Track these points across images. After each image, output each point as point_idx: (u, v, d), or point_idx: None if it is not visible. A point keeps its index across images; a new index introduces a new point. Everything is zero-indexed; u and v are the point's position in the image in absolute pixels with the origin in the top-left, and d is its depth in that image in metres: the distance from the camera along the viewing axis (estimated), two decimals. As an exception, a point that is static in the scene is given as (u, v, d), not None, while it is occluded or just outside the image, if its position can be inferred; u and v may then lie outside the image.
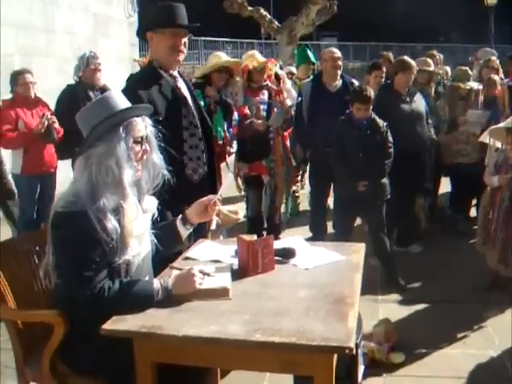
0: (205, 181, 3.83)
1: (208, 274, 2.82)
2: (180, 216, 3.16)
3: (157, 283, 2.70)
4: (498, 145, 5.46)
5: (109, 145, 2.68)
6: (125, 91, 3.60)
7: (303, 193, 8.36)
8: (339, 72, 6.35)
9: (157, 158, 2.90)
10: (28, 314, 3.02)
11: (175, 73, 3.79)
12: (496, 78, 7.41)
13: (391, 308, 5.21)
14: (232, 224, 3.62)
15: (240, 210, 3.45)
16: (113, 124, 2.71)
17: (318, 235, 6.32)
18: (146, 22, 3.77)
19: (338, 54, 6.39)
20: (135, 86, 3.62)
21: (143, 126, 2.82)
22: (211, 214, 3.16)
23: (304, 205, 8.25)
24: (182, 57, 3.72)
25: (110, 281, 2.64)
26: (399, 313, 5.10)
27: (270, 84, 6.51)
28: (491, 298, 5.28)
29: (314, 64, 8.57)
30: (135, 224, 2.78)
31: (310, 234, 6.53)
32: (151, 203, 2.98)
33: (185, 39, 3.70)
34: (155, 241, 2.99)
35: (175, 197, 3.41)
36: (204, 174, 3.83)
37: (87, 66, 6.64)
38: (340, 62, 6.32)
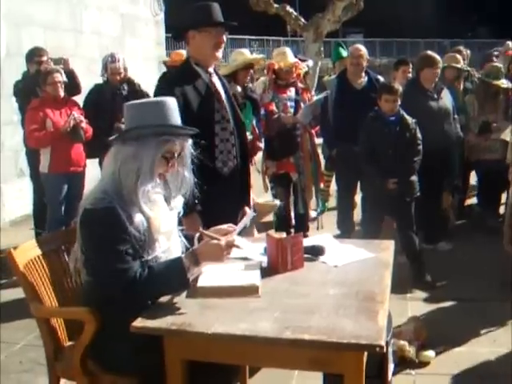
0: (235, 174, 3.92)
1: (237, 246, 2.81)
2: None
3: (184, 256, 2.71)
4: None
5: (138, 150, 2.70)
6: (160, 88, 3.71)
7: (332, 189, 8.30)
8: (363, 69, 6.32)
9: (188, 174, 2.91)
10: (59, 311, 3.06)
11: (211, 69, 3.90)
12: None
13: (420, 306, 5.17)
14: (270, 212, 3.59)
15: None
16: (153, 134, 2.72)
17: (345, 233, 6.32)
18: (187, 21, 3.84)
19: (363, 50, 6.35)
20: (171, 83, 3.75)
21: (179, 147, 2.82)
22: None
23: (333, 202, 8.23)
24: (220, 53, 3.86)
25: (141, 269, 2.65)
26: (428, 310, 5.07)
27: (298, 82, 6.48)
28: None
29: None
30: (162, 220, 2.79)
31: (337, 232, 6.51)
32: (177, 201, 2.98)
33: (224, 36, 3.85)
34: (183, 239, 3.00)
35: (205, 189, 3.49)
36: (234, 168, 3.91)
37: (106, 70, 6.77)
38: (364, 60, 6.29)
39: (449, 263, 6.12)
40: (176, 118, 2.84)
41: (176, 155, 2.82)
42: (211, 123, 3.79)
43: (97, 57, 8.96)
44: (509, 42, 9.41)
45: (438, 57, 6.33)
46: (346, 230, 6.48)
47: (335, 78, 6.69)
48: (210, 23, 3.77)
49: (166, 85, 3.84)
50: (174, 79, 3.88)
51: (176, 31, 4.12)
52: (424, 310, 5.05)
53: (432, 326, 4.64)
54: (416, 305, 5.19)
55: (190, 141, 2.90)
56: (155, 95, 3.73)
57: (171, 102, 2.87)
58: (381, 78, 6.42)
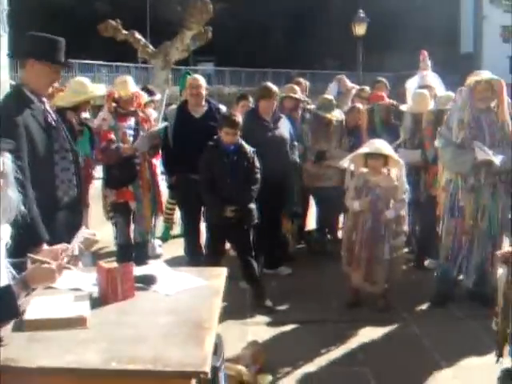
0: (74, 203, 3.94)
1: (69, 268, 2.80)
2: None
3: (13, 283, 2.66)
4: (352, 168, 5.72)
5: None
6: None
7: (177, 217, 8.29)
8: (201, 99, 6.38)
9: (13, 193, 2.83)
10: None
11: (43, 98, 3.88)
12: (360, 106, 7.72)
13: (260, 330, 5.27)
14: (94, 245, 3.57)
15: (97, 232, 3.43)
16: None
17: (194, 259, 6.29)
18: (31, 48, 3.78)
19: (199, 81, 6.43)
20: (10, 111, 3.63)
21: (0, 162, 2.75)
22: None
23: (176, 230, 8.27)
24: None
25: None
26: (268, 334, 5.18)
27: (138, 111, 6.37)
28: (355, 315, 5.51)
29: None
30: None
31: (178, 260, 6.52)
32: (4, 231, 2.91)
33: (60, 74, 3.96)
34: (12, 270, 2.92)
35: (45, 218, 3.52)
36: (74, 197, 3.93)
37: None
38: (203, 89, 6.37)
39: (289, 287, 6.28)
40: None
41: None
42: (51, 153, 3.76)
43: None
44: (343, 76, 9.83)
45: (274, 88, 6.55)
46: (195, 256, 6.42)
47: (176, 107, 6.72)
48: (52, 60, 3.78)
49: (6, 115, 3.62)
50: (11, 107, 3.69)
51: (17, 53, 4.06)
52: (264, 334, 5.15)
53: (272, 349, 4.76)
54: (256, 329, 5.29)
55: (9, 156, 2.81)
56: None
57: None
58: (222, 108, 6.51)
